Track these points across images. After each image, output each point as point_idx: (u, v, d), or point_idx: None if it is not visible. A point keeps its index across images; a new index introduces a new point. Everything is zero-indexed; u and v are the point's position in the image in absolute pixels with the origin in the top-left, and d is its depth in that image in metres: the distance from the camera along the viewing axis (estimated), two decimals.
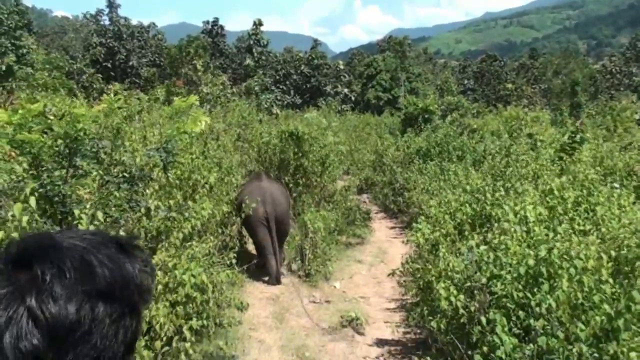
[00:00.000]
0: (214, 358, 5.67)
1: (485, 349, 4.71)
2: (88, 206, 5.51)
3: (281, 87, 48.99)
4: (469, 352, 5.10)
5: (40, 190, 5.36)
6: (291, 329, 7.09)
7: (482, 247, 5.77)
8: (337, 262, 9.78)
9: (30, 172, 5.74)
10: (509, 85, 57.30)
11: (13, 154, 7.34)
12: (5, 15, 30.93)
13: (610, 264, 5.21)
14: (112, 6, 51.38)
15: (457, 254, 6.29)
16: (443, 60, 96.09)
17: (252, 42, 50.45)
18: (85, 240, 0.87)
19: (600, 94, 51.56)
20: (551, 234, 5.71)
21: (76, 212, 4.64)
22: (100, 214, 4.60)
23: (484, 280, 5.16)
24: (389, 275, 7.38)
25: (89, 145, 5.90)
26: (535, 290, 4.92)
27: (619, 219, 6.68)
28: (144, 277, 0.91)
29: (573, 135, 12.81)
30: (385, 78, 51.07)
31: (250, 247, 9.72)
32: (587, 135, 13.53)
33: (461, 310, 5.18)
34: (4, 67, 26.04)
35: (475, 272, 5.28)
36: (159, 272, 5.32)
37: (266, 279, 8.81)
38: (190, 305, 5.18)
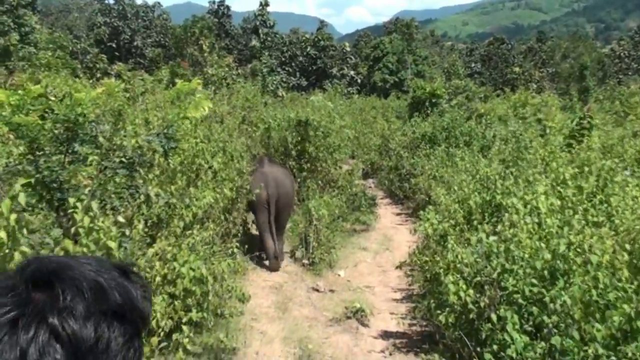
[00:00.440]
0: (214, 351, 5.51)
1: (495, 347, 4.54)
2: (86, 192, 5.35)
3: (287, 69, 48.59)
4: (478, 349, 4.92)
5: (37, 175, 5.20)
6: (294, 320, 6.92)
7: (492, 238, 5.59)
8: (341, 250, 9.60)
9: (27, 156, 5.57)
10: (517, 69, 56.74)
11: (11, 136, 7.16)
12: None
13: (626, 259, 5.00)
14: None
15: (466, 245, 6.11)
16: (450, 43, 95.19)
17: (258, 22, 49.93)
18: (91, 264, 0.88)
19: (608, 78, 51.05)
20: (565, 227, 5.50)
21: (71, 200, 4.45)
22: (95, 205, 4.40)
23: (494, 274, 4.97)
24: (396, 267, 7.21)
25: (87, 129, 5.71)
26: (548, 285, 4.73)
27: (632, 210, 6.47)
28: (143, 302, 0.91)
29: (581, 121, 12.60)
30: (392, 60, 50.54)
31: (255, 231, 9.57)
32: (595, 121, 13.29)
33: (470, 306, 5.00)
34: (8, 44, 25.78)
35: (486, 267, 5.09)
36: (157, 262, 5.16)
37: (267, 263, 8.74)
38: (190, 299, 5.01)
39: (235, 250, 6.60)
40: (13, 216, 3.76)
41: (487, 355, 4.47)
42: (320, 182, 11.59)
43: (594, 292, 4.34)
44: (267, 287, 7.93)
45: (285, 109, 16.73)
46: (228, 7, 54.35)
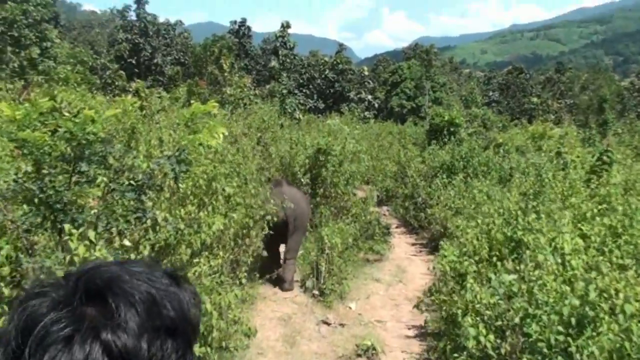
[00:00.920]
0: None
1: None
2: (92, 214, 5.14)
3: (304, 91, 48.56)
4: None
5: (41, 195, 4.99)
6: (302, 356, 6.62)
7: (511, 277, 5.30)
8: (353, 281, 9.30)
9: (32, 174, 5.37)
10: (535, 99, 56.47)
11: (19, 151, 6.98)
12: (32, 7, 30.80)
13: None
14: (139, 2, 51.32)
15: (485, 283, 5.82)
16: (468, 70, 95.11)
17: (278, 44, 50.05)
18: (142, 273, 0.86)
19: (627, 112, 50.61)
20: (590, 270, 5.18)
21: (67, 227, 4.23)
22: (92, 233, 4.18)
23: (517, 319, 4.67)
24: (414, 307, 6.90)
25: (97, 149, 5.51)
26: (574, 333, 4.43)
27: None
28: (194, 310, 0.89)
29: (601, 156, 12.32)
30: (410, 86, 50.45)
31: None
32: (617, 156, 12.99)
33: (490, 352, 4.69)
34: (29, 57, 25.92)
35: (508, 310, 4.78)
36: None
37: (276, 288, 8.70)
38: None
39: (244, 281, 6.33)
40: None
41: None
42: (333, 208, 11.35)
43: (627, 345, 4.03)
44: (275, 318, 7.64)
45: (301, 132, 16.56)
46: (249, 28, 54.57)
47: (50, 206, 5.02)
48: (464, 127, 21.36)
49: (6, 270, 4.24)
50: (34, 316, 0.78)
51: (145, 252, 5.11)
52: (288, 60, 49.23)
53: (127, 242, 5.22)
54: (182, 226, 5.56)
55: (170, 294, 0.85)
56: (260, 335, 6.53)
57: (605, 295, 4.72)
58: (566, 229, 6.30)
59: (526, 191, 9.69)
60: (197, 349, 4.83)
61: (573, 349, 4.24)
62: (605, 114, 43.90)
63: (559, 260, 5.68)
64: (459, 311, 5.46)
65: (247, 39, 54.08)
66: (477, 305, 5.24)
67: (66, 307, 0.78)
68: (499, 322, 4.82)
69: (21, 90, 16.43)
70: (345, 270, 8.99)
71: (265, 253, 8.56)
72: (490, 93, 62.72)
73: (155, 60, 49.73)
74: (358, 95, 48.99)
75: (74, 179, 5.42)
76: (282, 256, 9.01)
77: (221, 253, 6.36)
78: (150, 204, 5.70)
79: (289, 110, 30.00)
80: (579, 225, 7.06)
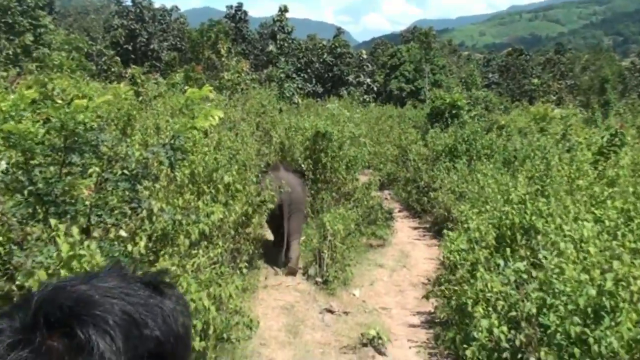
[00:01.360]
0: None
1: None
2: (84, 205, 4.93)
3: (303, 75, 48.11)
4: None
5: (31, 187, 4.76)
6: (305, 346, 6.42)
7: (521, 264, 5.09)
8: (356, 267, 9.08)
9: (21, 165, 5.13)
10: (535, 81, 56.05)
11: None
12: None
13: None
14: None
15: (495, 269, 5.61)
16: (467, 53, 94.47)
17: (276, 28, 49.54)
18: (115, 288, 0.73)
19: (628, 92, 50.34)
20: (611, 258, 4.94)
21: (52, 221, 4.00)
22: (75, 230, 3.94)
23: (533, 309, 4.44)
24: (422, 297, 6.68)
25: (88, 137, 5.26)
26: (592, 324, 4.22)
27: None
28: (181, 319, 0.77)
29: (612, 137, 12.06)
30: (409, 69, 50.00)
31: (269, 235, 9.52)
32: (628, 139, 12.75)
33: (504, 344, 4.48)
34: (22, 44, 25.58)
35: (522, 300, 4.56)
36: None
37: (279, 270, 8.66)
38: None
39: (245, 270, 6.11)
40: None
41: None
42: (335, 194, 11.13)
43: None
44: (277, 307, 7.44)
45: (300, 116, 16.29)
46: (245, 12, 53.99)
47: (40, 198, 4.80)
48: (466, 110, 21.01)
49: None
50: None
51: (142, 243, 4.90)
52: (286, 44, 48.74)
53: (123, 233, 5.03)
54: (179, 217, 5.34)
55: (152, 308, 0.74)
56: (263, 325, 6.34)
57: (623, 283, 4.50)
58: (582, 215, 6.06)
59: (532, 175, 9.45)
60: (197, 344, 4.63)
61: (591, 340, 4.04)
62: (607, 94, 43.59)
63: (572, 247, 5.46)
64: (470, 301, 5.25)
65: (243, 23, 53.54)
66: (488, 294, 5.03)
67: (28, 345, 0.65)
68: (513, 313, 4.60)
69: (14, 78, 16.12)
70: (348, 257, 8.80)
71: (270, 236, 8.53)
72: (490, 75, 62.23)
73: (151, 46, 49.22)
74: (357, 79, 48.58)
75: (64, 170, 5.18)
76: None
77: (221, 242, 6.14)
78: (146, 193, 5.48)
79: (288, 95, 29.67)
80: (592, 209, 6.83)
